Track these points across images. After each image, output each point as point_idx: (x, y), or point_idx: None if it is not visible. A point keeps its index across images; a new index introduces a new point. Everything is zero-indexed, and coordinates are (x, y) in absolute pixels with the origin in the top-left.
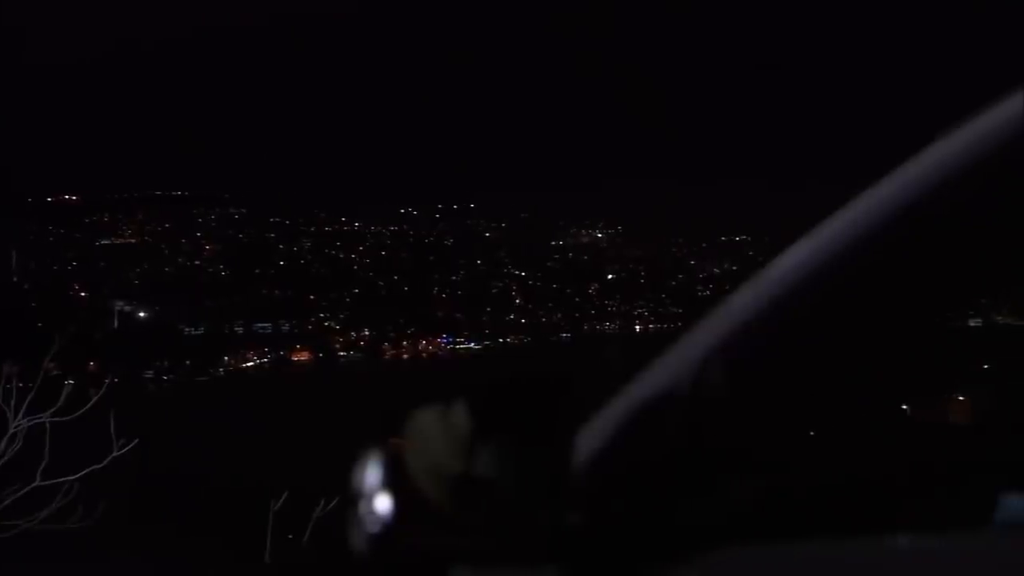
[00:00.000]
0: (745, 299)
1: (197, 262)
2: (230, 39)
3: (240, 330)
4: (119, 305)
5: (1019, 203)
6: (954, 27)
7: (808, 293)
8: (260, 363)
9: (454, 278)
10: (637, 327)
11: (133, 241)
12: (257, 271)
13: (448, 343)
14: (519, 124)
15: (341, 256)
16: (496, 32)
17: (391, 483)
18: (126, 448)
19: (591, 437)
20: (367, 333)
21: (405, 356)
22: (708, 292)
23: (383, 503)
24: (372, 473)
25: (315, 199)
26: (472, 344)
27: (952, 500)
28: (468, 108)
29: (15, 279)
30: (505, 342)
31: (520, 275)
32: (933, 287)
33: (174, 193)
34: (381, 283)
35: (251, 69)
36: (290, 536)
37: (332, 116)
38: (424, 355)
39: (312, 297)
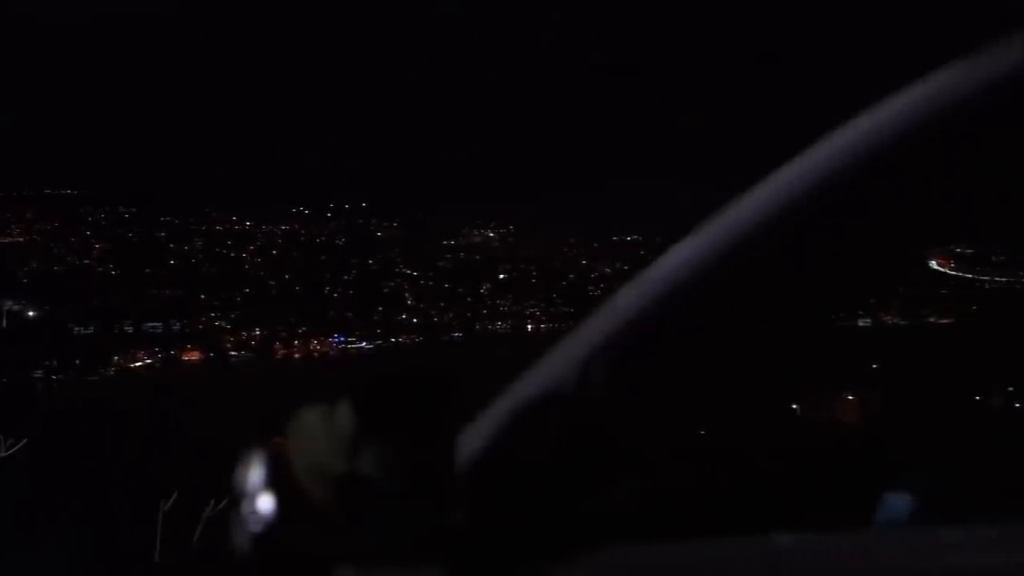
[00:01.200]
0: (628, 299)
1: (87, 261)
2: (122, 29)
3: (130, 329)
4: (8, 304)
5: (901, 202)
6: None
7: (690, 292)
8: (150, 363)
9: (346, 277)
10: (529, 327)
11: (21, 240)
12: (147, 270)
13: (340, 343)
14: (412, 123)
15: (232, 255)
16: (385, 28)
17: (274, 483)
18: (14, 448)
19: (474, 436)
20: (258, 332)
21: (297, 356)
22: (600, 292)
23: (266, 503)
24: (255, 473)
25: (205, 198)
26: (364, 344)
27: (836, 500)
28: (359, 106)
29: None
30: (397, 342)
31: (412, 275)
32: (817, 286)
33: (63, 192)
34: (272, 282)
35: (140, 63)
36: (180, 536)
37: (222, 113)
38: (316, 355)
39: (203, 296)
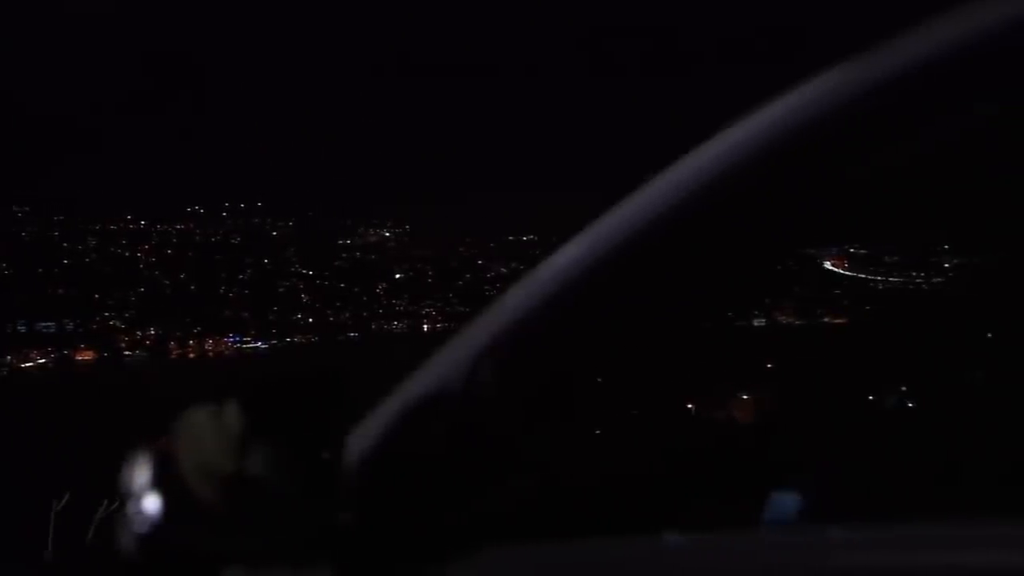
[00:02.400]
0: (516, 299)
1: None
2: (17, 25)
3: (23, 329)
4: None
5: (785, 203)
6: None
7: (579, 292)
8: (43, 363)
9: (241, 277)
10: (425, 326)
11: None
12: (40, 270)
13: (235, 342)
14: (308, 123)
15: (126, 255)
16: (278, 26)
17: (160, 483)
18: None
19: (363, 436)
20: (153, 332)
21: (191, 355)
22: (495, 292)
23: (152, 503)
24: (141, 473)
25: (100, 197)
26: (259, 343)
27: (726, 498)
28: (252, 106)
29: None
30: (293, 341)
31: (307, 274)
32: (707, 286)
33: None
34: (167, 282)
35: (37, 60)
36: (73, 537)
37: (116, 111)
38: (211, 354)
39: (97, 296)
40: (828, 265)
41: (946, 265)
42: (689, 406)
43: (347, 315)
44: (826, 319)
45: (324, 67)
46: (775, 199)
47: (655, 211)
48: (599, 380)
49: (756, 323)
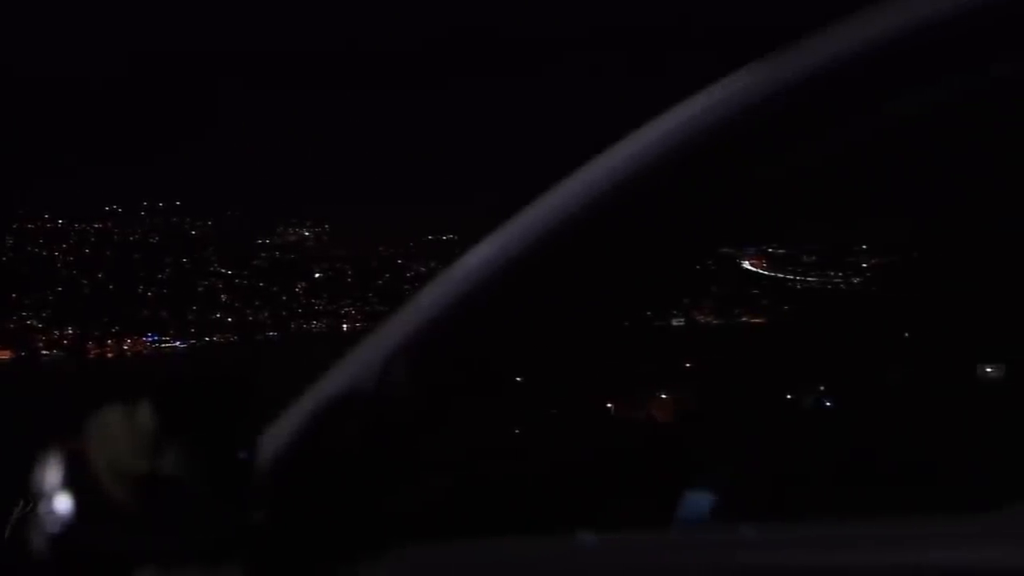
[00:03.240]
0: (429, 298)
1: None
2: None
3: None
4: None
5: (706, 203)
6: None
7: (492, 291)
8: None
9: (160, 276)
10: (344, 326)
11: None
12: None
13: (153, 342)
14: (226, 122)
15: (44, 254)
16: (194, 27)
17: (72, 482)
18: None
19: (276, 436)
20: (71, 332)
21: (110, 355)
22: (414, 291)
23: (64, 503)
24: (53, 473)
25: (16, 196)
26: (178, 343)
27: (641, 497)
28: (172, 104)
29: None
30: (212, 341)
31: (227, 273)
32: (621, 286)
33: None
34: (85, 281)
35: None
36: None
37: (33, 110)
38: (129, 354)
39: (14, 295)
40: (747, 265)
41: (863, 265)
42: (605, 405)
43: (266, 314)
44: (744, 319)
45: (241, 65)
46: (688, 199)
47: (567, 211)
48: (513, 379)
49: (675, 323)
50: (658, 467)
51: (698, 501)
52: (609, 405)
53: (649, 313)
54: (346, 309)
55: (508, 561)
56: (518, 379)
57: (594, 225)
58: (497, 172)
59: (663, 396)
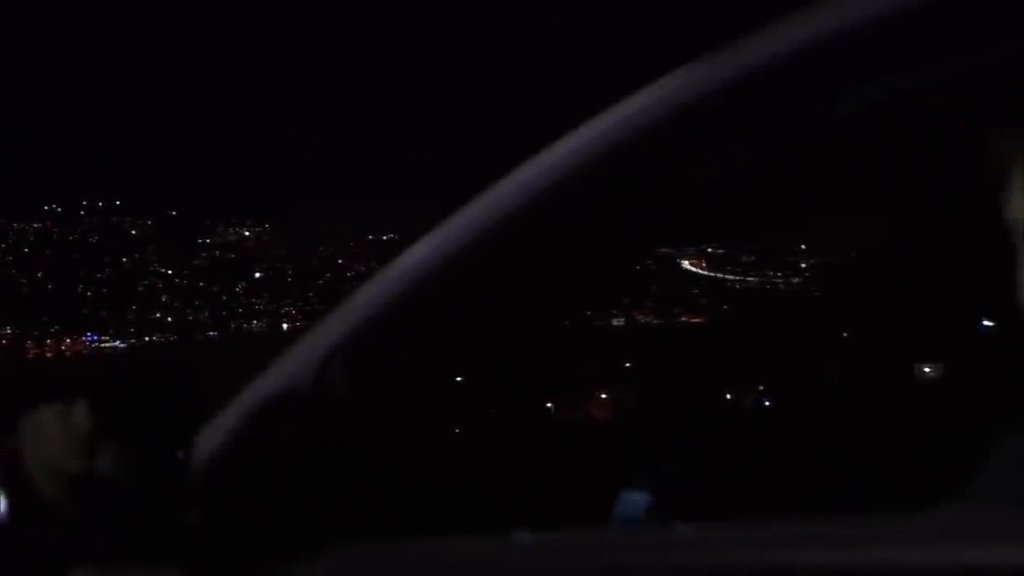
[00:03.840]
0: (366, 298)
1: None
2: None
3: None
4: None
5: (643, 203)
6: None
7: (429, 290)
8: None
9: (100, 276)
10: (285, 326)
11: None
12: None
13: (93, 342)
14: (168, 121)
15: None
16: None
17: (7, 482)
18: None
19: (213, 435)
20: (9, 331)
21: (49, 355)
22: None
23: None
24: None
25: None
26: (118, 342)
27: (578, 497)
28: (114, 103)
29: None
30: (152, 340)
31: (167, 273)
32: (558, 286)
33: None
34: (24, 281)
35: None
36: None
37: None
38: (68, 354)
39: None
40: (686, 264)
41: (802, 265)
42: (544, 405)
43: (206, 314)
44: (684, 318)
45: (181, 64)
46: (625, 198)
47: (503, 210)
48: (451, 379)
49: (615, 323)
50: (596, 466)
51: (635, 500)
52: (548, 404)
53: (589, 313)
54: (286, 309)
55: (445, 560)
56: (456, 378)
57: (530, 224)
58: (441, 171)
59: (603, 395)
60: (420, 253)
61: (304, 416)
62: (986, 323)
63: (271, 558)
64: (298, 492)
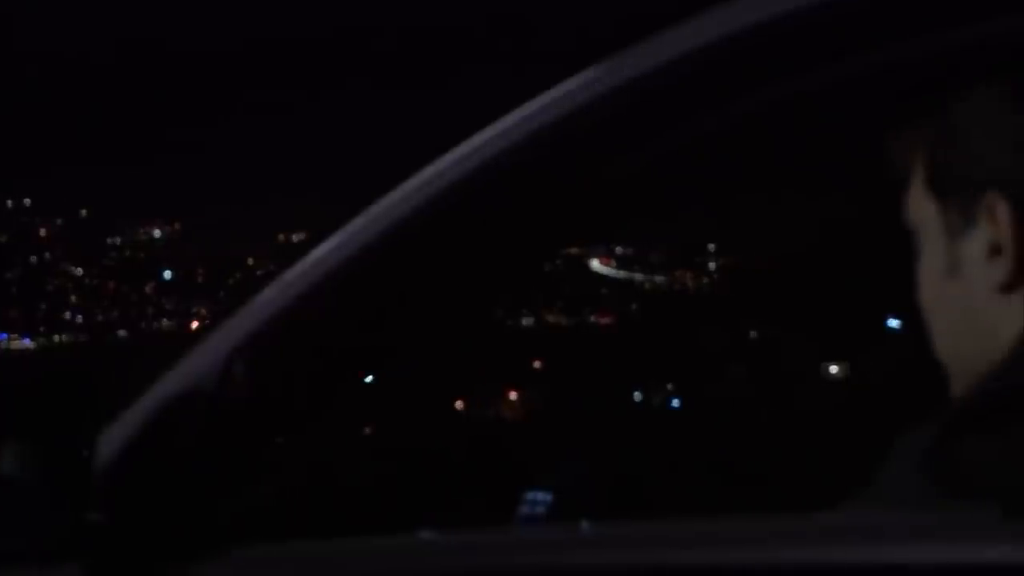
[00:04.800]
0: (269, 297)
1: None
2: None
3: None
4: None
5: (547, 203)
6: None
7: (331, 292)
8: None
9: (8, 276)
10: (195, 325)
11: None
12: None
13: (3, 340)
14: (77, 119)
15: None
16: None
17: None
18: None
19: (116, 435)
20: None
21: None
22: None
23: None
24: None
25: None
26: (27, 342)
27: (483, 496)
28: (24, 101)
29: None
30: (61, 340)
31: (76, 273)
32: (464, 287)
33: None
34: None
35: None
36: None
37: None
38: None
39: None
40: (595, 264)
41: (711, 265)
42: (451, 404)
43: (116, 314)
44: (592, 318)
45: (91, 62)
46: (528, 199)
47: (406, 210)
48: (357, 379)
49: (524, 322)
50: (501, 465)
51: (539, 499)
52: (456, 404)
53: (496, 313)
54: (196, 309)
55: (348, 560)
56: (362, 378)
57: (435, 225)
58: (356, 171)
59: (512, 395)
60: (323, 253)
61: (207, 416)
62: (889, 323)
63: (174, 558)
64: (201, 492)
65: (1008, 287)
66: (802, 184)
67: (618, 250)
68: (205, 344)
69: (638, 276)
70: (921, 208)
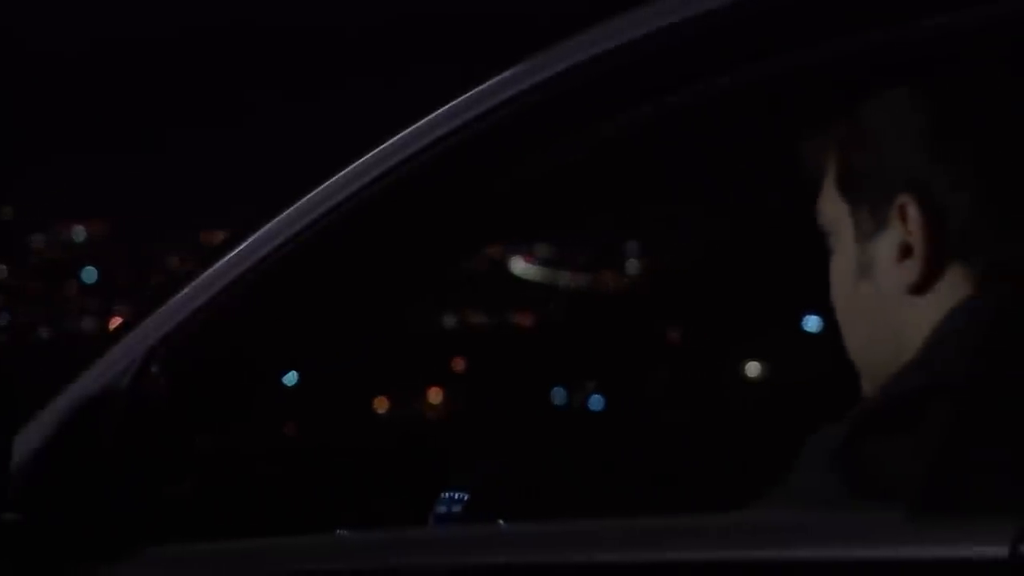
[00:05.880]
0: (186, 296)
1: None
2: None
3: None
4: None
5: (464, 204)
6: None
7: (246, 290)
8: None
9: None
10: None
11: None
12: None
13: None
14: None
15: None
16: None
17: None
18: None
19: (31, 435)
20: None
21: None
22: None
23: None
24: None
25: None
26: None
27: (401, 495)
28: None
29: None
30: None
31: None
32: (382, 286)
33: None
34: None
35: None
36: None
37: None
38: None
39: None
40: (516, 264)
41: (631, 264)
42: (368, 404)
43: (38, 313)
44: (514, 318)
45: (12, 58)
46: (446, 200)
47: (321, 212)
48: (275, 379)
49: (446, 322)
50: (420, 465)
51: (455, 498)
52: (374, 404)
53: (415, 313)
54: (118, 308)
55: (265, 559)
56: (279, 378)
57: (351, 224)
58: (286, 170)
59: (431, 394)
60: (239, 253)
61: (122, 415)
62: (805, 323)
63: (89, 557)
64: (116, 491)
65: (918, 288)
66: (718, 186)
67: (541, 250)
68: (121, 344)
69: (561, 276)
70: (833, 209)
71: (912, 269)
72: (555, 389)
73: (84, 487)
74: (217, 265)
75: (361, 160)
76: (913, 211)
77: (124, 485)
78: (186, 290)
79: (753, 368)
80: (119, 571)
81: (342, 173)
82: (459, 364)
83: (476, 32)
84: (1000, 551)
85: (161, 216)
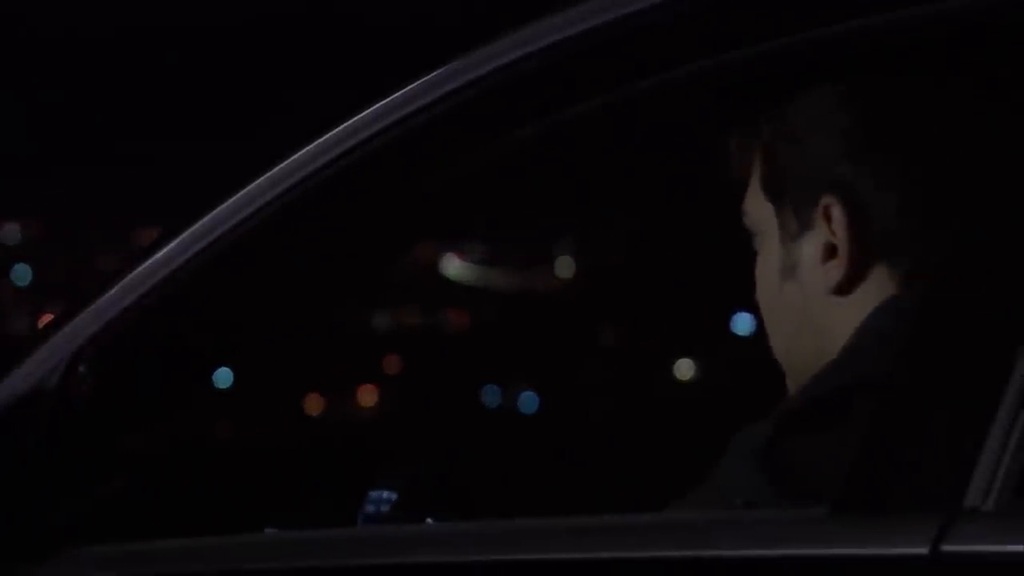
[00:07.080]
0: (115, 295)
1: None
2: None
3: None
4: None
5: (391, 203)
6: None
7: (174, 290)
8: None
9: None
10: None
11: None
12: None
13: None
14: None
15: None
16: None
17: None
18: None
19: None
20: None
21: None
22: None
23: None
24: None
25: None
26: None
27: (329, 494)
28: None
29: None
30: None
31: None
32: (309, 286)
33: None
34: None
35: None
36: None
37: None
38: None
39: None
40: (449, 263)
41: (564, 266)
42: (297, 403)
43: None
44: (446, 317)
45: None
46: (372, 197)
47: (249, 211)
48: (204, 379)
49: (377, 321)
50: (350, 464)
51: (382, 498)
52: (303, 403)
53: (346, 312)
54: (52, 307)
55: (192, 559)
56: (209, 377)
57: (281, 222)
58: (222, 166)
59: (362, 394)
60: (167, 252)
61: (49, 416)
62: (736, 324)
63: (16, 558)
64: (41, 492)
65: (842, 289)
66: (646, 185)
67: (473, 249)
68: (49, 343)
69: (494, 275)
70: (759, 209)
71: (836, 270)
72: (485, 389)
73: (10, 487)
74: (145, 264)
75: (289, 159)
76: (837, 212)
77: (51, 485)
78: (114, 289)
79: (685, 367)
80: (46, 571)
81: (270, 172)
82: (390, 363)
83: (392, 39)
84: (921, 549)
85: (97, 216)
